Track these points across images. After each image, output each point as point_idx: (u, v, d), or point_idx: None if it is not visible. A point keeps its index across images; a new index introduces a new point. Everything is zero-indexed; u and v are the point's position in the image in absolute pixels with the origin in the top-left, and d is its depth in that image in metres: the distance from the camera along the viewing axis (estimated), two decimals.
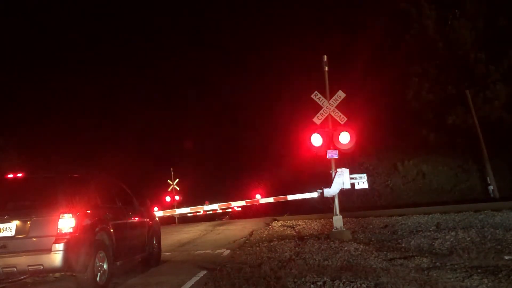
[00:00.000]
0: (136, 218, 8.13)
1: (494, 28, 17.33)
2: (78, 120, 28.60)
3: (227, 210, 21.19)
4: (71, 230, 5.96)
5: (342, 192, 10.47)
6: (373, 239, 9.74)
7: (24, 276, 6.24)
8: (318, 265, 7.21)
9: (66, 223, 5.96)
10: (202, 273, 7.17)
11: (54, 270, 5.94)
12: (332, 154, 10.28)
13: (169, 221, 22.23)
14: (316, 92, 10.60)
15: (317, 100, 10.57)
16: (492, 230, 9.23)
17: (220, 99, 30.91)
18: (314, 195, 11.18)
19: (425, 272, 6.36)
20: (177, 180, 28.26)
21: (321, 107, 10.55)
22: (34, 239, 5.93)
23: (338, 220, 10.24)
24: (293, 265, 7.18)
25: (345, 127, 10.29)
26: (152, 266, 8.36)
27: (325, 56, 10.72)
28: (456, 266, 6.58)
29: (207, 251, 9.93)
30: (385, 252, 8.00)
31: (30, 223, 5.97)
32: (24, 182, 6.63)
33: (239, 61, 30.41)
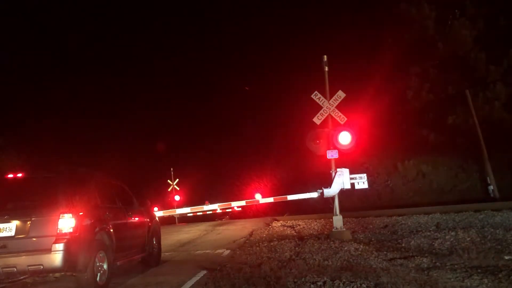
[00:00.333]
0: (136, 218, 8.13)
1: (494, 28, 17.34)
2: (78, 120, 28.57)
3: (227, 210, 21.17)
4: (71, 230, 5.96)
5: (342, 192, 10.47)
6: (373, 239, 9.74)
7: (24, 276, 6.25)
8: (318, 265, 7.21)
9: (66, 223, 5.96)
10: (202, 273, 7.17)
11: (54, 270, 5.94)
12: (332, 154, 10.28)
13: (169, 221, 22.23)
14: (316, 92, 10.60)
15: (317, 100, 10.57)
16: (492, 230, 9.24)
17: (220, 99, 30.84)
18: (314, 195, 11.19)
19: (425, 272, 6.36)
20: (177, 180, 28.26)
21: (321, 107, 10.55)
22: (34, 239, 5.93)
23: (338, 220, 10.24)
24: (293, 265, 7.18)
25: (345, 127, 10.30)
26: (152, 266, 8.36)
27: (325, 56, 10.73)
28: (456, 266, 6.58)
29: (207, 251, 9.93)
30: (385, 252, 8.00)
31: (30, 223, 5.98)
32: (24, 182, 6.62)
33: (239, 61, 30.37)
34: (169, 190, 28.32)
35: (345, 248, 8.42)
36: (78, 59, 34.83)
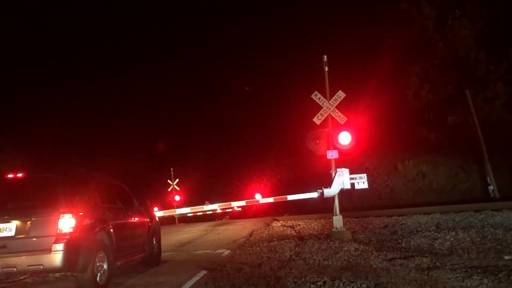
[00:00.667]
0: (136, 218, 8.13)
1: (494, 28, 17.35)
2: (78, 120, 28.58)
3: (227, 210, 21.17)
4: (71, 230, 5.95)
5: (342, 192, 10.47)
6: (373, 239, 9.74)
7: (24, 276, 6.24)
8: (318, 265, 7.21)
9: (66, 223, 5.96)
10: (202, 273, 7.17)
11: (54, 270, 5.94)
12: (332, 154, 10.28)
13: (169, 221, 22.22)
14: (316, 92, 10.60)
15: (317, 100, 10.57)
16: (492, 230, 9.24)
17: (220, 99, 30.81)
18: (314, 195, 11.20)
19: (425, 272, 6.36)
20: (177, 180, 28.25)
21: (321, 107, 10.55)
22: (34, 239, 5.92)
23: (338, 220, 10.24)
24: (293, 265, 7.18)
25: (345, 127, 10.30)
26: (152, 266, 8.36)
27: (325, 56, 10.73)
28: (456, 266, 6.58)
29: (207, 251, 9.93)
30: (385, 252, 7.99)
31: (30, 223, 5.97)
32: (24, 182, 6.62)
33: (239, 62, 30.35)
34: (169, 190, 28.31)
35: (345, 248, 8.42)
36: (78, 59, 34.79)
